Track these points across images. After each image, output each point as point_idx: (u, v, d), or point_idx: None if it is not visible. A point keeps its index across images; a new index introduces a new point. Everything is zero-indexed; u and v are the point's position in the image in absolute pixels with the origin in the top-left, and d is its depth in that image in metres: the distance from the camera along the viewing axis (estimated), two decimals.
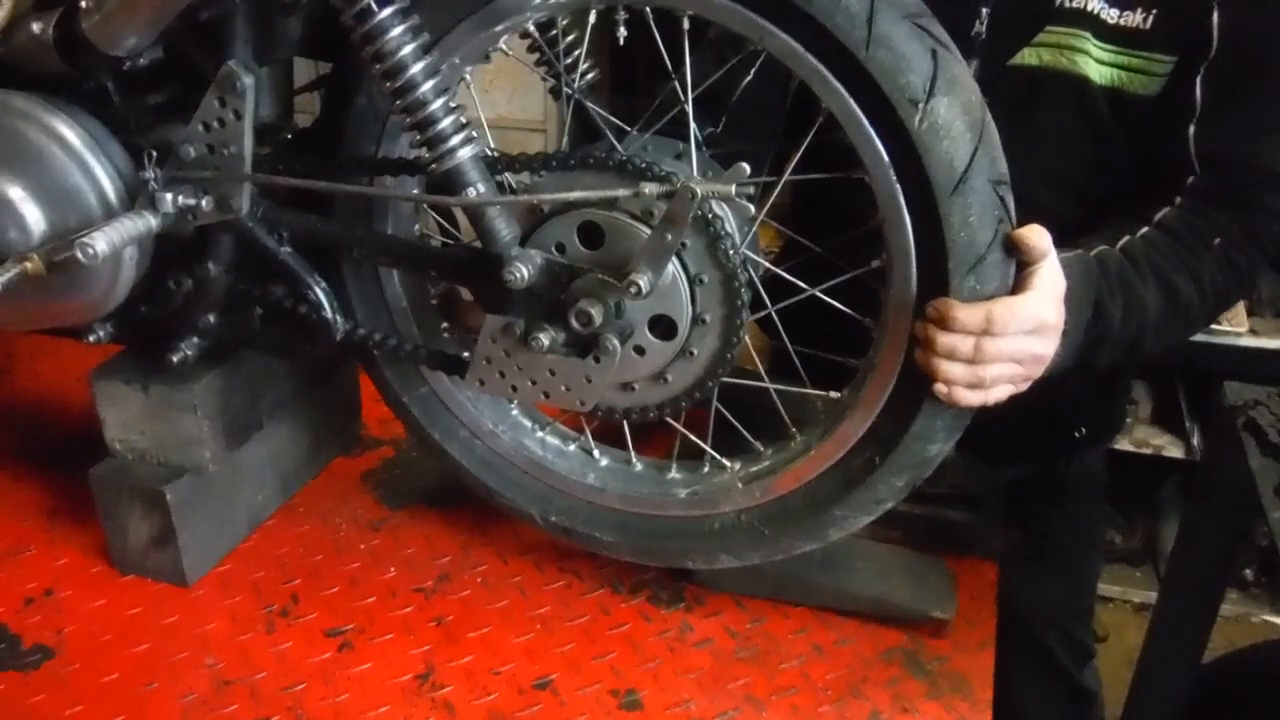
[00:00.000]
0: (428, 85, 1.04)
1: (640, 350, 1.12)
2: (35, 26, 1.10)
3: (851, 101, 0.99)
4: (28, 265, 1.13)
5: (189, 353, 1.26)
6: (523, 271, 1.08)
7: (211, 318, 1.26)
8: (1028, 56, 1.25)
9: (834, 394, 1.16)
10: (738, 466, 1.23)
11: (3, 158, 1.14)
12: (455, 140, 1.05)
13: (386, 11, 1.01)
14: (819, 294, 1.11)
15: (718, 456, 1.23)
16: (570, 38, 1.21)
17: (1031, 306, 1.01)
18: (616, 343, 1.09)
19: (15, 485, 1.51)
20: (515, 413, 1.32)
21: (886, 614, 1.28)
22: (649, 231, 1.05)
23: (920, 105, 0.95)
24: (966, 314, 1.00)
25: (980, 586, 1.32)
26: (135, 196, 1.15)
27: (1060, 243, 1.04)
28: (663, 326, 1.11)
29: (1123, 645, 1.86)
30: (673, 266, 1.07)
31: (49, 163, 1.14)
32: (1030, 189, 1.04)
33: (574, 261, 1.10)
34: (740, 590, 1.32)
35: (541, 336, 1.11)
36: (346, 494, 1.51)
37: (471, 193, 1.07)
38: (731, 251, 1.06)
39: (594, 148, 1.13)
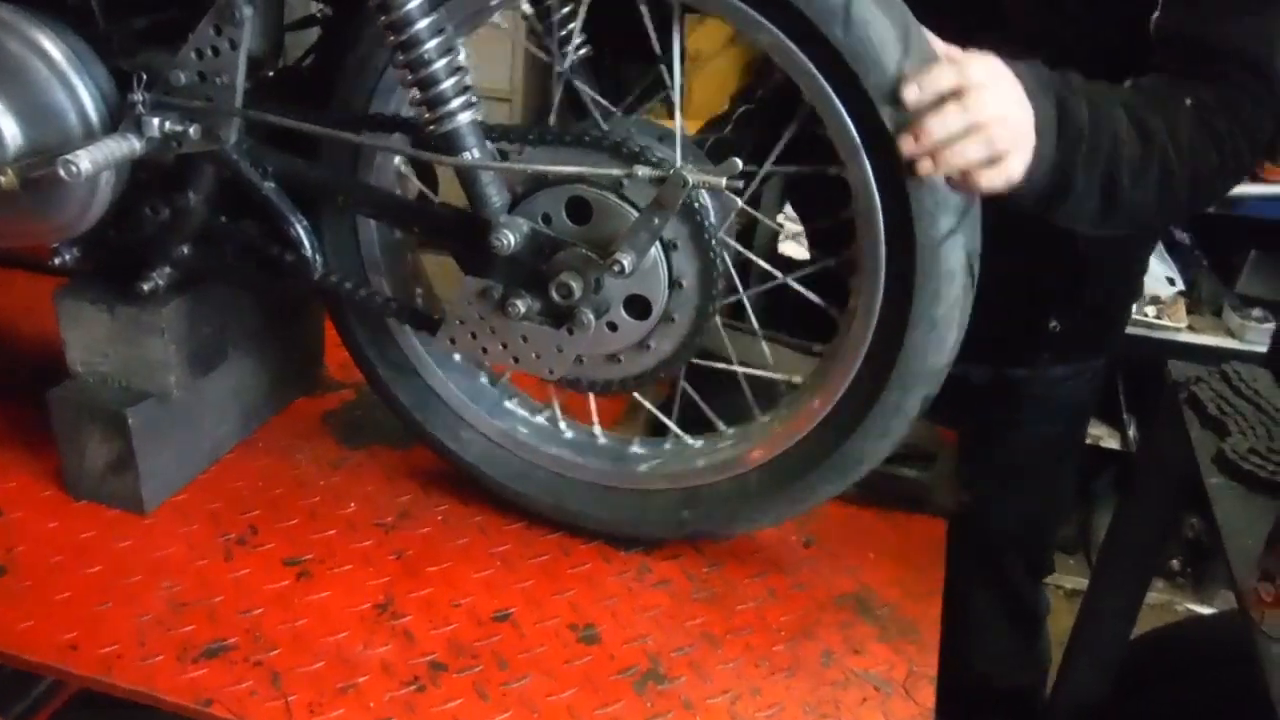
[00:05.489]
0: (432, 43, 1.05)
1: (613, 326, 1.15)
2: None
3: None
4: (1, 180, 1.12)
5: (160, 282, 1.25)
6: (509, 238, 1.10)
7: (186, 249, 1.25)
8: None
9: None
10: None
11: None
12: (456, 103, 1.07)
13: None
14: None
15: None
16: (565, 11, 1.21)
17: (974, 57, 0.97)
18: (591, 316, 1.12)
19: None
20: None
21: None
22: (636, 213, 1.08)
23: None
24: (936, 74, 0.96)
25: (931, 540, 1.36)
26: (117, 120, 1.14)
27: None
28: (637, 306, 1.14)
29: (1055, 629, 1.92)
30: (654, 250, 1.09)
31: (31, 78, 1.12)
32: None
33: (560, 234, 1.12)
34: None
35: (519, 303, 1.13)
36: (307, 433, 1.50)
37: (468, 156, 1.08)
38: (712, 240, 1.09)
39: (590, 125, 1.15)
